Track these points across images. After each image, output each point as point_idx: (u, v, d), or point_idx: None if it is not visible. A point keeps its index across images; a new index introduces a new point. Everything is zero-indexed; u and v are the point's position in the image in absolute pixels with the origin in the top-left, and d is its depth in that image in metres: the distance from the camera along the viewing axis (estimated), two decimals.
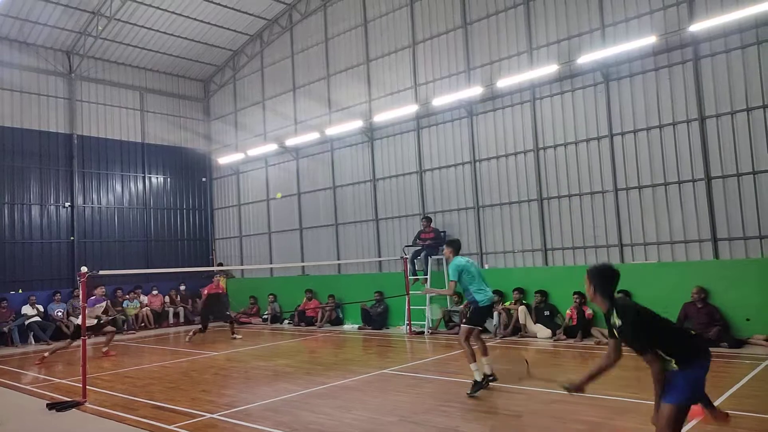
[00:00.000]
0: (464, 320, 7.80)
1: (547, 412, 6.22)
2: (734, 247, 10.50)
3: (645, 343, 3.91)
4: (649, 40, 11.05)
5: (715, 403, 6.11)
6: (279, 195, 13.85)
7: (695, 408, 4.15)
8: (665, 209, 11.23)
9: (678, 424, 3.87)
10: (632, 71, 11.67)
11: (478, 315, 7.59)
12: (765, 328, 9.48)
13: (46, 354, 11.64)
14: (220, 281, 14.00)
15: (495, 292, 12.40)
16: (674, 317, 10.25)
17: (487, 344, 7.69)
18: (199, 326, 13.92)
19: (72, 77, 17.99)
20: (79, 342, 11.36)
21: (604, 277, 4.12)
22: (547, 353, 10.19)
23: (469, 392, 7.07)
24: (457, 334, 12.69)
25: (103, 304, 12.34)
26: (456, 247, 7.97)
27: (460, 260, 7.71)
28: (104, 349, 12.12)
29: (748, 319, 9.80)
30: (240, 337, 13.97)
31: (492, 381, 7.24)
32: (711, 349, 8.68)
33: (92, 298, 11.95)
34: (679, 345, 3.93)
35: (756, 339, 9.47)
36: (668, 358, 3.92)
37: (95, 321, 12.08)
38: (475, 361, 7.23)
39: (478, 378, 7.13)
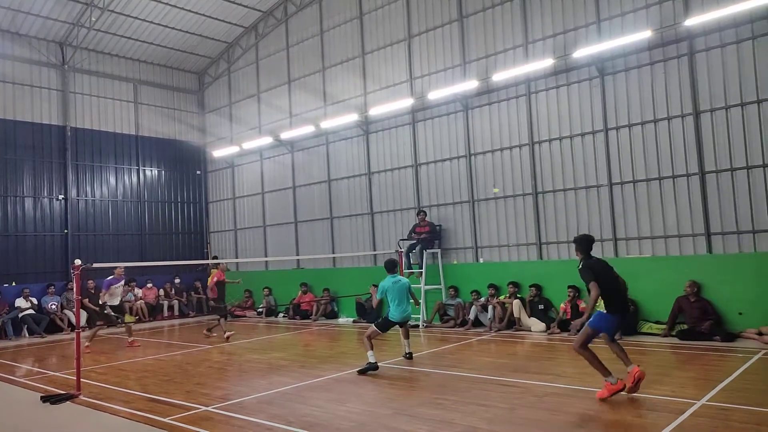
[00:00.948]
0: (375, 323, 9.19)
1: (541, 405, 6.25)
2: (727, 241, 10.55)
3: (586, 280, 6.33)
4: (645, 35, 11.06)
5: (708, 396, 6.20)
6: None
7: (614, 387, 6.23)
8: (659, 203, 11.27)
9: (588, 340, 6.37)
10: (627, 65, 11.68)
11: (386, 324, 8.96)
12: (757, 321, 9.54)
13: (88, 344, 11.52)
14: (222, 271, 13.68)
15: (490, 286, 12.59)
16: (668, 310, 10.34)
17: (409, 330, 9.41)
18: (219, 318, 13.41)
19: (65, 69, 17.86)
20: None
21: (587, 241, 6.64)
22: (542, 347, 10.23)
23: (359, 370, 8.35)
24: (451, 327, 12.77)
25: (121, 283, 12.11)
26: (387, 267, 9.26)
27: (385, 283, 9.04)
28: (130, 340, 12.02)
29: (740, 313, 9.87)
30: (228, 334, 13.53)
31: (410, 358, 9.17)
32: (704, 342, 9.22)
33: (109, 278, 11.78)
34: (609, 299, 6.42)
35: (748, 333, 9.54)
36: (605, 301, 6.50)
37: (118, 301, 11.98)
38: (372, 350, 8.51)
39: (372, 360, 8.39)
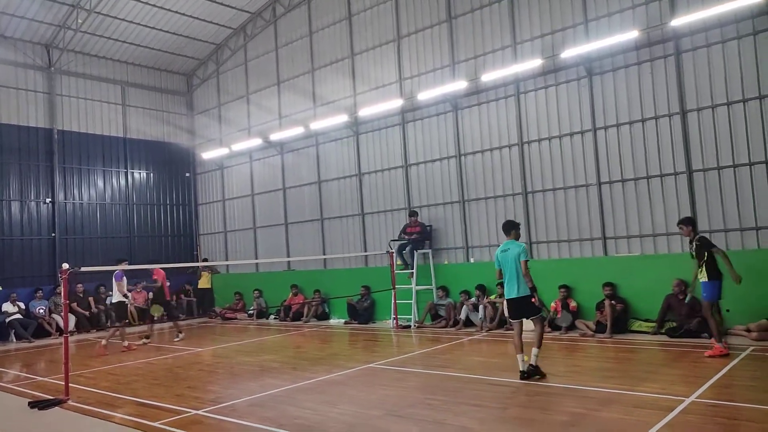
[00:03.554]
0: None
1: (533, 404, 6.28)
2: (715, 239, 10.60)
3: (708, 247, 8.29)
4: (632, 35, 11.14)
5: (697, 393, 6.25)
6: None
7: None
8: (647, 202, 11.35)
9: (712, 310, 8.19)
10: (615, 65, 11.75)
11: (509, 308, 7.84)
12: (744, 319, 9.63)
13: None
14: (156, 269, 13.57)
15: (478, 287, 12.58)
16: (657, 308, 10.41)
17: (540, 336, 7.52)
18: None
19: (51, 71, 17.69)
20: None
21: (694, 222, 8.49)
22: (533, 345, 10.24)
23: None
24: (443, 327, 12.78)
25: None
26: (504, 229, 7.88)
27: (497, 251, 7.76)
28: (125, 344, 12.03)
29: (728, 310, 9.95)
30: (181, 338, 13.21)
31: (528, 376, 7.31)
32: (693, 339, 9.46)
33: (117, 272, 11.90)
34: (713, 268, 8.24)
35: (736, 330, 9.62)
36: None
37: (124, 299, 12.17)
38: (520, 352, 7.42)
39: (520, 366, 7.36)
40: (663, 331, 10.21)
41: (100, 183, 18.71)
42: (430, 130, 14.56)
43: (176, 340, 13.08)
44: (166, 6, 17.14)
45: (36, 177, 17.29)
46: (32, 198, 17.15)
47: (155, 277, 13.35)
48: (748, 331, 9.38)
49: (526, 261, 7.48)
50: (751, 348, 8.61)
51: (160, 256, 19.52)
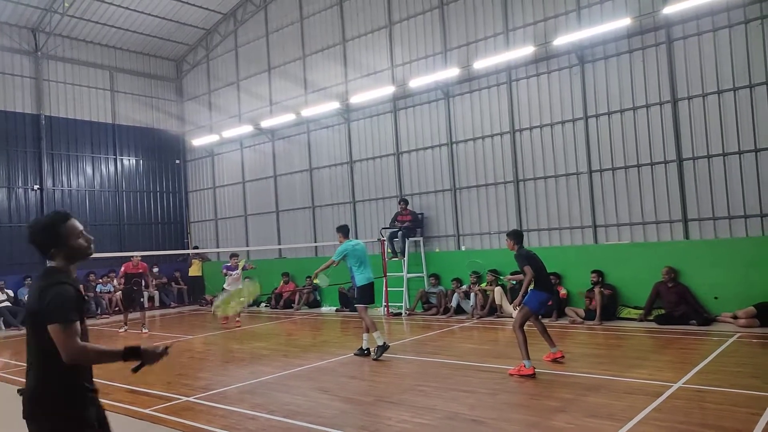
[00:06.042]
0: (355, 301, 9.01)
1: (522, 390, 6.33)
2: (704, 227, 10.73)
3: (521, 265, 7.29)
4: (624, 23, 11.12)
5: (685, 379, 6.32)
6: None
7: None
8: (638, 190, 11.40)
9: (524, 320, 7.17)
10: (607, 53, 11.74)
11: (365, 293, 8.69)
12: (732, 306, 9.74)
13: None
14: (139, 261, 13.47)
15: (473, 273, 12.65)
16: (646, 296, 10.52)
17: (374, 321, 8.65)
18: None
19: (38, 56, 17.42)
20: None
21: (519, 235, 7.54)
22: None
23: (374, 357, 8.29)
24: (434, 315, 12.84)
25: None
26: (344, 232, 9.05)
27: (347, 244, 8.78)
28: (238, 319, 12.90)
29: (716, 298, 10.07)
30: (147, 331, 12.86)
31: (367, 354, 8.49)
32: (681, 326, 9.68)
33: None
34: (538, 280, 7.26)
35: (723, 317, 9.74)
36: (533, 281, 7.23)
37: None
38: (376, 330, 8.37)
39: (380, 342, 8.30)
40: (651, 318, 10.31)
41: (89, 170, 18.53)
42: (421, 117, 14.51)
43: (121, 331, 12.96)
44: None
45: (24, 163, 17.08)
46: (20, 185, 16.96)
47: (140, 270, 13.25)
48: (735, 318, 9.50)
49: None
50: (738, 334, 8.72)
51: (150, 243, 19.41)
